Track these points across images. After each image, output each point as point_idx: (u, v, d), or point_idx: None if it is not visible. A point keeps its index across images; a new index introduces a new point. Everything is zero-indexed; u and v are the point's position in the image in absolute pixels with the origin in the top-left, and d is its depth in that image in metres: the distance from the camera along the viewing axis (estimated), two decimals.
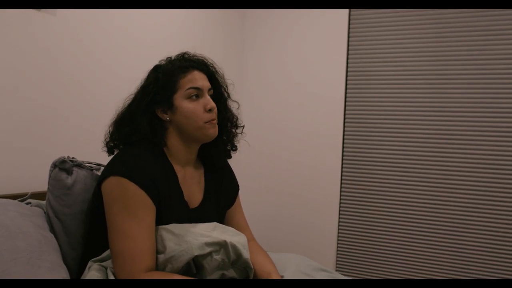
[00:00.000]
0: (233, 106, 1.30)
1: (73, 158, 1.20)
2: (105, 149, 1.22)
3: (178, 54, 1.23)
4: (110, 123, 1.22)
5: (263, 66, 2.76)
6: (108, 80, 1.75)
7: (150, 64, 1.25)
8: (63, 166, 1.16)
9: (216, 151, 1.28)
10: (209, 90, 1.20)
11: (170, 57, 1.23)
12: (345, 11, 2.52)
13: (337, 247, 2.59)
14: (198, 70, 1.19)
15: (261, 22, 2.75)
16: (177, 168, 1.18)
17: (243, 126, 1.32)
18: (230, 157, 1.34)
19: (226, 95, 1.28)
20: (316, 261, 1.93)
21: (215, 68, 1.25)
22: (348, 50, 2.55)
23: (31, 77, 1.44)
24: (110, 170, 1.07)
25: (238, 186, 1.39)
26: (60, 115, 1.56)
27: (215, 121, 1.18)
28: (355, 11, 2.52)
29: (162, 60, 1.23)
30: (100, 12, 1.70)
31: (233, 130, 1.29)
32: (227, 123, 1.27)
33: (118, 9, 1.78)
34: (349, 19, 2.54)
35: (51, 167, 1.18)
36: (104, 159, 1.26)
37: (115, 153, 1.20)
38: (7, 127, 1.38)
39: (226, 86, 1.28)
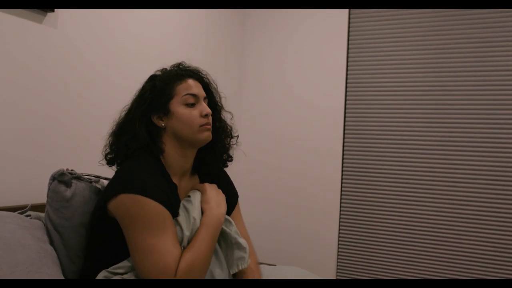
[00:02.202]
0: (227, 116, 1.32)
1: (72, 170, 1.20)
2: (104, 161, 1.22)
3: (173, 65, 1.25)
4: (108, 133, 1.22)
5: (262, 74, 2.77)
6: (108, 92, 1.76)
7: (149, 75, 1.26)
8: (62, 178, 1.15)
9: (211, 159, 1.28)
10: (204, 99, 1.21)
11: (165, 68, 1.25)
12: (345, 19, 2.54)
13: (338, 257, 2.58)
14: (194, 79, 1.21)
15: (260, 28, 2.77)
16: (174, 179, 1.19)
17: (237, 136, 1.33)
18: (226, 165, 1.34)
19: (219, 105, 1.30)
20: (317, 271, 1.93)
21: (208, 80, 1.27)
22: (347, 60, 2.56)
23: (32, 89, 1.45)
24: (119, 188, 1.06)
25: (237, 194, 1.39)
26: (60, 127, 1.57)
27: (210, 126, 1.19)
28: (354, 18, 2.53)
29: (157, 70, 1.25)
30: (100, 25, 1.71)
31: (228, 140, 1.30)
32: (221, 133, 1.28)
33: (118, 22, 1.80)
34: (349, 28, 2.55)
35: (50, 179, 1.18)
36: (103, 171, 1.26)
37: (115, 164, 1.20)
38: (7, 139, 1.38)
39: (220, 97, 1.30)
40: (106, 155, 1.21)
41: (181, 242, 1.07)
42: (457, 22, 2.31)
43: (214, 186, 1.22)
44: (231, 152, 1.32)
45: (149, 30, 1.99)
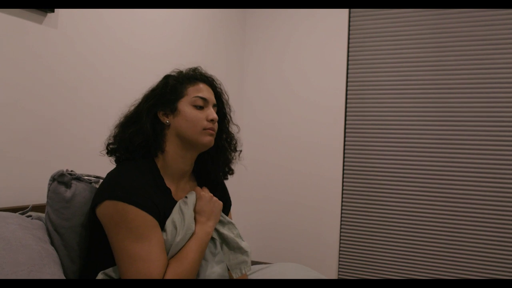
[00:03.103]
0: (234, 130, 1.33)
1: (71, 171, 1.20)
2: (105, 151, 1.22)
3: (190, 68, 1.27)
4: (114, 124, 1.22)
5: (263, 73, 2.77)
6: (108, 92, 1.76)
7: (150, 76, 1.27)
8: (61, 179, 1.15)
9: (213, 168, 1.29)
10: (214, 106, 1.22)
11: (181, 70, 1.26)
12: (345, 18, 2.54)
13: (339, 256, 2.58)
14: (207, 85, 1.23)
15: (260, 28, 2.77)
16: (170, 182, 1.18)
17: (241, 151, 1.34)
18: (226, 178, 1.35)
19: (228, 117, 1.31)
20: (318, 271, 1.93)
21: (221, 90, 1.28)
22: (348, 59, 2.56)
23: (32, 89, 1.46)
24: (105, 194, 1.06)
25: (230, 202, 1.40)
26: (60, 127, 1.57)
27: (214, 132, 1.20)
28: (354, 17, 2.54)
29: (173, 71, 1.26)
30: (100, 25, 1.72)
31: (232, 153, 1.31)
32: (226, 145, 1.29)
33: (118, 22, 1.80)
34: (349, 28, 2.55)
35: (50, 180, 1.18)
36: (103, 171, 1.26)
37: (115, 157, 1.21)
38: (8, 139, 1.38)
39: (230, 110, 1.31)
40: (108, 144, 1.21)
41: (171, 244, 1.07)
42: (457, 21, 2.32)
43: (209, 195, 1.21)
44: (232, 166, 1.33)
45: (150, 31, 1.99)
